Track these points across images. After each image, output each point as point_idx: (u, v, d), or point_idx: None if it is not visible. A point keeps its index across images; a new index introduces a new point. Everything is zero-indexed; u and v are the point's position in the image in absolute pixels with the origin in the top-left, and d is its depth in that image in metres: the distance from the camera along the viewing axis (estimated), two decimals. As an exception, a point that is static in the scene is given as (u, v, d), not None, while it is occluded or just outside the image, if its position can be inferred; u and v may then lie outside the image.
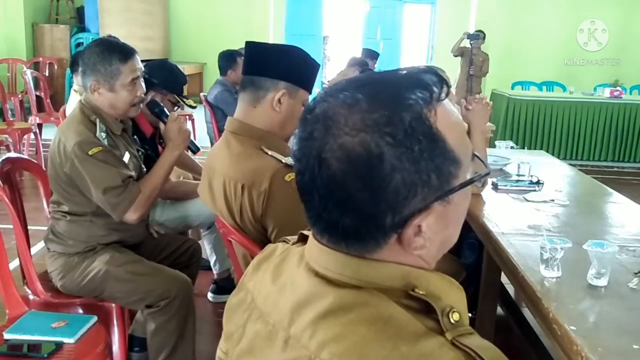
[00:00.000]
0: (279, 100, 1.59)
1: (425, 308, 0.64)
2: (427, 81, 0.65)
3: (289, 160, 1.52)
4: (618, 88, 7.77)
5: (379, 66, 6.55)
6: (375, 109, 0.62)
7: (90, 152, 1.89)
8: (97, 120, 1.96)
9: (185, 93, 2.72)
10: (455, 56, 8.09)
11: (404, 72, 0.67)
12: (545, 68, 9.56)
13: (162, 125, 2.28)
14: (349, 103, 0.63)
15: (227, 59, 4.62)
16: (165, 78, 2.58)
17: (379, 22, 10.98)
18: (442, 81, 0.65)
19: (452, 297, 0.66)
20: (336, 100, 0.64)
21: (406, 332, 0.61)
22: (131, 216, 1.95)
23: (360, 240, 0.64)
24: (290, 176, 1.49)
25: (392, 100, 0.62)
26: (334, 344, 0.62)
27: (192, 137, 2.25)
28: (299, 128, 0.67)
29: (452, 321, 0.62)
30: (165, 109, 2.35)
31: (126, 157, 2.02)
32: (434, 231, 0.65)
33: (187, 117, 6.56)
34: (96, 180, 1.90)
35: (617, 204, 2.46)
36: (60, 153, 1.93)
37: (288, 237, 0.82)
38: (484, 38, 7.95)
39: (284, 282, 0.73)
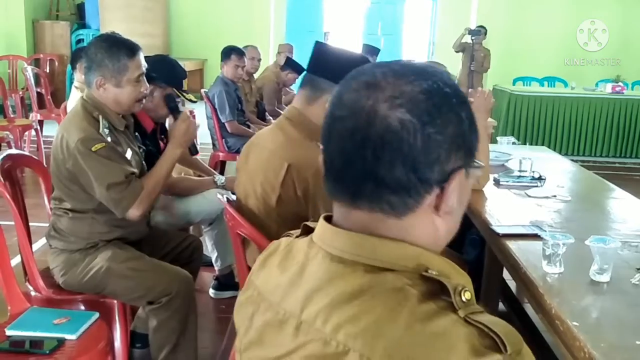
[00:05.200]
0: None
1: (436, 289, 0.66)
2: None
3: None
4: (620, 84, 7.75)
5: (380, 62, 6.53)
6: (430, 69, 0.70)
7: (93, 149, 1.88)
8: (100, 117, 1.95)
9: (185, 88, 2.71)
10: (457, 52, 8.07)
11: None
12: (546, 66, 9.53)
13: (170, 120, 2.30)
14: (403, 65, 0.70)
15: (222, 54, 4.69)
16: (165, 72, 2.57)
17: (380, 18, 10.95)
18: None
19: (460, 278, 0.69)
20: (387, 67, 0.70)
21: (419, 311, 0.63)
22: (134, 212, 1.95)
23: (405, 195, 0.67)
24: None
25: (433, 68, 0.71)
26: (349, 325, 0.64)
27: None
28: (340, 93, 0.71)
29: (463, 299, 0.64)
30: (179, 106, 2.38)
31: (128, 154, 2.02)
32: (457, 199, 0.70)
33: (188, 112, 6.55)
34: (99, 176, 1.89)
35: (619, 200, 2.46)
36: (62, 149, 1.93)
37: (291, 231, 0.83)
38: (485, 34, 7.93)
39: (292, 271, 0.74)
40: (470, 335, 0.61)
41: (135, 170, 1.99)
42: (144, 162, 2.17)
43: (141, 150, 2.18)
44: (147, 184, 1.99)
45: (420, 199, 0.68)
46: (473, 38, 7.75)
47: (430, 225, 0.70)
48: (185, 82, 2.75)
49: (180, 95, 2.60)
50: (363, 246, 0.69)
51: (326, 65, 1.65)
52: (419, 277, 0.67)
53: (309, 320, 0.68)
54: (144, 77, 2.06)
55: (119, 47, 1.98)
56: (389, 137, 0.65)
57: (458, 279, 0.68)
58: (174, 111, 2.35)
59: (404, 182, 0.66)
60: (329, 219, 0.74)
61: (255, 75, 5.66)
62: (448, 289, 0.64)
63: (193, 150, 2.34)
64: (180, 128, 2.15)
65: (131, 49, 2.01)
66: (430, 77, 0.68)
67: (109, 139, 1.93)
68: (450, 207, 0.69)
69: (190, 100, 2.71)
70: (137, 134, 2.25)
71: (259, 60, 5.42)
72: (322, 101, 1.64)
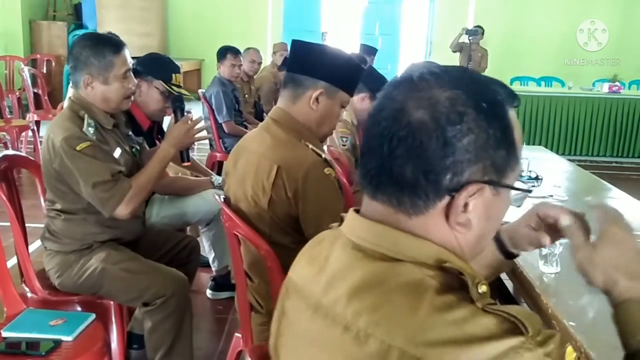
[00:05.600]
0: (317, 99, 1.63)
1: (453, 283, 0.67)
2: (505, 87, 0.75)
3: (329, 156, 1.60)
4: (617, 83, 7.75)
5: (378, 62, 6.53)
6: (467, 77, 0.71)
7: (78, 148, 1.87)
8: (85, 116, 1.94)
9: (176, 82, 2.63)
10: (454, 52, 8.07)
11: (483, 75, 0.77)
12: (545, 65, 9.53)
13: (171, 121, 2.26)
14: (444, 69, 0.72)
15: (218, 54, 4.70)
16: (151, 65, 2.54)
17: (378, 18, 10.94)
18: (515, 95, 0.74)
19: (477, 275, 0.70)
20: (430, 68, 0.72)
21: (439, 301, 0.64)
22: (122, 211, 1.93)
23: (413, 194, 0.69)
24: (328, 170, 1.55)
25: (482, 81, 0.73)
26: (371, 313, 0.66)
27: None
28: (385, 88, 0.74)
29: (479, 291, 0.66)
30: (184, 110, 2.32)
31: (117, 153, 2.00)
32: (477, 215, 0.70)
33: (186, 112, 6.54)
34: (85, 175, 1.88)
35: (616, 199, 2.46)
36: (49, 150, 1.93)
37: (334, 224, 0.86)
38: (482, 33, 7.94)
39: (319, 259, 0.78)
40: (490, 322, 0.62)
41: (122, 169, 1.97)
42: (139, 160, 2.16)
43: (134, 149, 2.17)
44: (136, 183, 1.97)
45: (429, 202, 0.69)
46: (470, 38, 7.76)
47: (446, 233, 0.71)
48: (177, 77, 2.64)
49: (168, 88, 2.56)
50: (384, 237, 0.70)
51: (305, 62, 1.65)
52: (438, 269, 0.68)
53: (328, 304, 0.71)
54: (131, 73, 2.05)
55: (103, 44, 1.98)
56: (405, 134, 0.67)
57: (475, 274, 0.69)
58: (176, 110, 2.28)
59: (413, 181, 0.68)
60: (358, 210, 0.77)
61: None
62: (465, 284, 0.66)
63: (185, 157, 2.26)
64: (180, 128, 2.12)
65: (116, 45, 2.00)
66: (464, 86, 0.69)
67: (93, 138, 1.92)
68: (465, 221, 0.69)
69: (181, 94, 2.60)
70: (131, 132, 2.24)
71: (259, 63, 5.37)
72: (306, 98, 1.63)
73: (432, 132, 0.66)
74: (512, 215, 0.88)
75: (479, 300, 0.64)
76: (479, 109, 0.67)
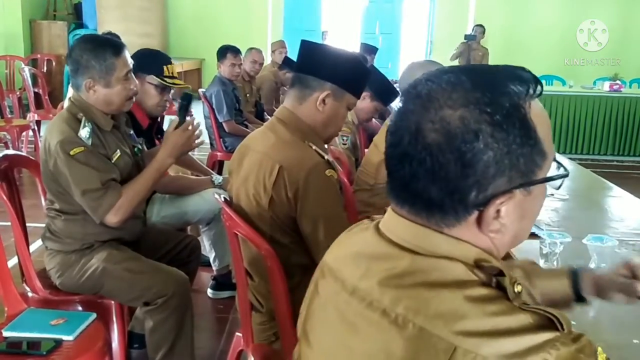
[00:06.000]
0: (323, 101, 1.63)
1: (490, 282, 0.68)
2: (525, 77, 0.70)
3: (331, 157, 1.60)
4: (617, 82, 7.74)
5: (378, 61, 6.53)
6: (477, 89, 0.67)
7: (71, 152, 1.86)
8: (83, 118, 1.92)
9: (169, 73, 2.58)
10: (453, 61, 8.21)
11: (502, 66, 0.73)
12: (545, 65, 9.53)
13: (172, 124, 2.11)
14: (452, 82, 0.69)
15: (218, 53, 4.70)
16: (140, 61, 2.49)
17: (378, 17, 10.95)
18: (537, 80, 0.71)
19: (512, 274, 0.71)
20: (439, 80, 0.70)
21: (477, 293, 0.66)
22: (111, 219, 1.92)
23: (441, 212, 0.69)
24: (330, 172, 1.54)
25: (494, 85, 0.68)
26: (410, 300, 0.67)
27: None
28: (398, 104, 0.73)
29: (515, 291, 0.67)
30: (189, 109, 2.21)
31: (116, 155, 1.99)
32: (511, 219, 0.70)
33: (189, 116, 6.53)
34: (76, 181, 1.88)
35: (617, 198, 2.46)
36: (46, 151, 1.92)
37: (376, 215, 0.86)
38: (483, 32, 7.98)
39: (354, 246, 0.80)
40: (527, 317, 0.63)
41: (115, 176, 1.94)
42: (140, 161, 2.16)
43: (136, 148, 2.16)
44: (127, 191, 1.94)
45: (459, 218, 0.69)
46: (470, 43, 7.88)
47: (481, 238, 0.71)
48: (170, 68, 2.59)
49: (162, 81, 2.54)
50: (420, 237, 0.71)
51: (313, 63, 1.65)
52: (476, 267, 0.69)
53: (366, 290, 0.72)
54: (132, 74, 2.04)
55: (104, 47, 1.96)
56: (423, 157, 0.67)
57: (512, 274, 0.70)
58: (181, 109, 2.14)
59: (439, 201, 0.68)
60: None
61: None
62: (501, 284, 0.67)
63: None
64: (179, 137, 2.05)
65: (116, 47, 1.98)
66: (474, 100, 0.66)
67: (89, 142, 1.90)
68: (499, 227, 0.70)
69: (174, 84, 2.57)
70: (132, 132, 2.23)
71: (261, 64, 5.34)
72: (312, 99, 1.63)
73: (450, 155, 0.66)
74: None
75: (515, 299, 0.66)
76: (494, 122, 0.66)
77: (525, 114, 0.68)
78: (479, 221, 0.69)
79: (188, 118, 2.15)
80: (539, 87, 0.70)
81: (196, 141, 2.14)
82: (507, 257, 0.89)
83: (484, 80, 0.69)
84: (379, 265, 0.73)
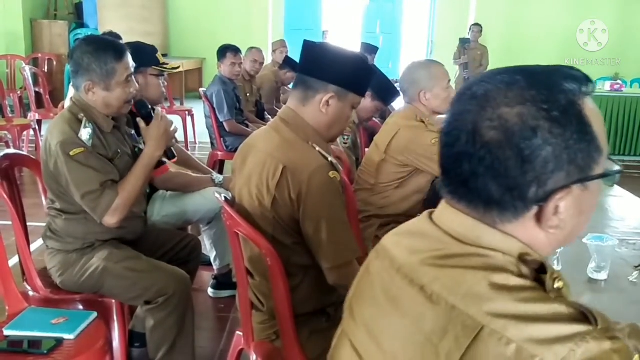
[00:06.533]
0: (327, 103, 1.62)
1: (530, 275, 0.70)
2: (577, 76, 0.72)
3: (334, 159, 1.59)
4: (618, 81, 7.74)
5: (379, 61, 6.53)
6: (533, 88, 0.69)
7: (71, 153, 1.86)
8: (84, 119, 1.92)
9: (162, 61, 2.63)
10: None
11: (554, 66, 0.75)
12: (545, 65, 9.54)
13: (142, 124, 2.10)
14: (507, 82, 0.70)
15: (218, 53, 4.69)
16: (138, 58, 2.48)
17: (379, 16, 10.95)
18: (589, 79, 0.73)
19: (555, 270, 0.72)
20: (494, 80, 0.71)
21: (514, 281, 0.67)
22: (109, 220, 1.92)
23: (500, 208, 0.71)
24: (333, 174, 1.54)
25: (549, 83, 0.70)
26: (447, 279, 0.70)
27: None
28: (452, 106, 0.74)
29: (555, 286, 0.68)
30: (151, 110, 2.19)
31: (118, 155, 1.99)
32: (569, 214, 0.70)
33: (187, 112, 6.54)
34: (75, 182, 1.88)
35: (618, 197, 2.46)
36: (47, 151, 1.92)
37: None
38: (480, 31, 8.02)
39: (407, 229, 0.84)
40: (560, 308, 0.64)
41: (114, 177, 1.95)
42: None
43: (137, 148, 2.16)
44: (122, 192, 1.94)
45: (518, 214, 0.70)
46: (466, 46, 7.98)
47: (536, 234, 0.72)
48: (159, 55, 2.65)
49: (161, 69, 2.55)
50: (474, 230, 0.73)
51: (316, 65, 1.63)
52: (519, 260, 0.70)
53: (410, 268, 0.75)
54: (133, 77, 2.03)
55: (105, 50, 1.95)
56: (483, 155, 0.69)
57: (554, 270, 0.71)
58: (147, 117, 2.12)
59: (498, 198, 0.70)
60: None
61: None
62: (541, 280, 0.68)
63: (170, 154, 2.18)
64: (158, 127, 2.06)
65: (118, 51, 1.96)
66: (531, 98, 0.68)
67: (90, 143, 1.90)
68: (559, 223, 0.71)
69: (174, 68, 2.59)
70: (133, 132, 2.22)
71: (261, 63, 5.34)
72: (316, 101, 1.62)
73: (509, 151, 0.67)
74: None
75: (552, 292, 0.67)
76: (552, 118, 0.67)
77: (581, 110, 0.69)
78: (539, 217, 0.70)
79: (154, 113, 2.14)
80: (591, 85, 0.72)
81: (171, 128, 2.13)
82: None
83: (538, 79, 0.70)
84: (425, 247, 0.76)
